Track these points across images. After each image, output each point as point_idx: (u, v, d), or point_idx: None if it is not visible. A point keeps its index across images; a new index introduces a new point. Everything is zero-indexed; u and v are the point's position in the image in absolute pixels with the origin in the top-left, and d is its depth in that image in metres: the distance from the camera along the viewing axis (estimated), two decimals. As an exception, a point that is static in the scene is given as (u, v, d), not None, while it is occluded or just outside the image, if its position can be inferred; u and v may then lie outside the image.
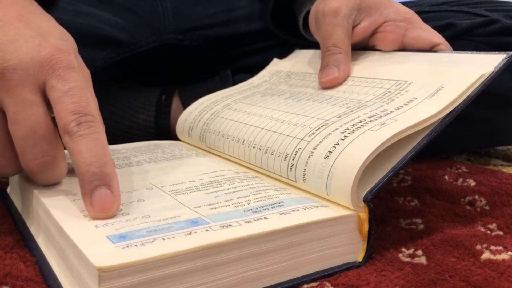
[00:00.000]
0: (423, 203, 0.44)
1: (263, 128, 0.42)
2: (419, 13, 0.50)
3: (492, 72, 0.37)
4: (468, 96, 0.37)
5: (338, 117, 0.39)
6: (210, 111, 0.51)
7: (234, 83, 0.62)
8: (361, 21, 0.48)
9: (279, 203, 0.33)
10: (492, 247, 0.35)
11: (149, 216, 0.31)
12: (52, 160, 0.34)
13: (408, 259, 0.33)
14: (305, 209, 0.32)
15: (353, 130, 0.35)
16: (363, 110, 0.39)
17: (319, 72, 0.48)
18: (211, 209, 0.32)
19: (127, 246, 0.27)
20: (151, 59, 0.66)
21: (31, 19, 0.36)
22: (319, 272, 0.31)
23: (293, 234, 0.30)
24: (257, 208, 0.32)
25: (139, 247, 0.27)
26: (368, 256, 0.33)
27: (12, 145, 0.33)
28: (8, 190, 0.45)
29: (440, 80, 0.39)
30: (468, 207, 0.44)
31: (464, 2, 0.61)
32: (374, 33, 0.49)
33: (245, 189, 0.36)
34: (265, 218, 0.31)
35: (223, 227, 0.29)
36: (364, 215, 0.32)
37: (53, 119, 0.33)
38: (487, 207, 0.43)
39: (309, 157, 0.35)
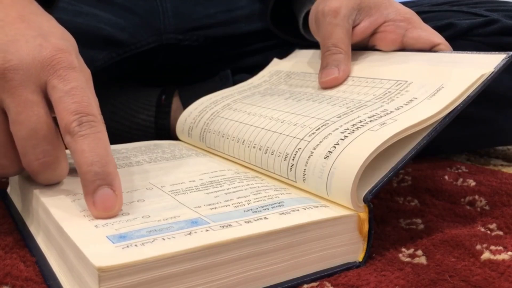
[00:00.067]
0: (423, 203, 0.44)
1: (263, 128, 0.42)
2: (419, 13, 0.50)
3: (492, 72, 0.37)
4: (468, 96, 0.37)
5: (338, 117, 0.39)
6: (210, 111, 0.51)
7: (234, 83, 0.62)
8: (361, 21, 0.48)
9: (279, 203, 0.33)
10: (492, 247, 0.35)
11: (149, 216, 0.31)
12: (54, 160, 0.34)
13: (408, 259, 0.33)
14: (305, 209, 0.32)
15: (353, 130, 0.35)
16: (363, 110, 0.39)
17: (319, 72, 0.48)
18: (211, 209, 0.32)
19: (127, 246, 0.27)
20: (151, 59, 0.66)
21: (32, 19, 0.36)
22: (319, 272, 0.31)
23: (293, 234, 0.30)
24: (257, 208, 0.32)
25: (139, 247, 0.27)
26: (368, 256, 0.33)
27: (14, 145, 0.33)
28: (8, 190, 0.45)
29: (440, 80, 0.39)
30: (468, 207, 0.44)
31: (464, 2, 0.61)
32: (374, 33, 0.49)
33: (245, 189, 0.36)
34: (265, 218, 0.31)
35: (223, 227, 0.29)
36: (364, 215, 0.32)
37: (55, 119, 0.33)
38: (487, 207, 0.43)
39: (309, 157, 0.35)
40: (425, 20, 0.49)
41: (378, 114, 0.37)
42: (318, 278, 0.31)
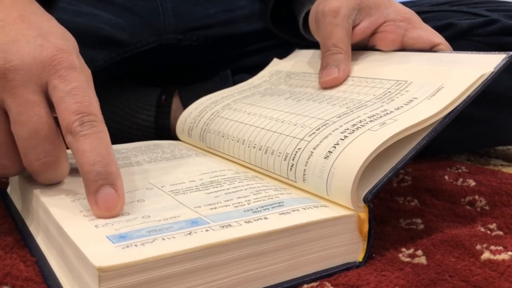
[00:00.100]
0: (423, 203, 0.44)
1: (263, 128, 0.42)
2: (419, 13, 0.50)
3: (492, 72, 0.37)
4: (468, 96, 0.37)
5: (338, 117, 0.39)
6: (210, 111, 0.51)
7: (234, 83, 0.62)
8: (361, 21, 0.48)
9: (279, 203, 0.33)
10: (492, 247, 0.35)
11: (149, 216, 0.31)
12: (55, 160, 0.34)
13: (408, 259, 0.33)
14: (305, 209, 0.32)
15: (353, 130, 0.35)
16: (363, 110, 0.39)
17: (319, 72, 0.48)
18: (211, 209, 0.32)
19: (127, 246, 0.27)
20: (151, 59, 0.66)
21: (33, 19, 0.36)
22: (319, 272, 0.31)
23: (293, 234, 0.30)
24: (257, 208, 0.32)
25: (139, 247, 0.27)
26: (368, 256, 0.33)
27: (15, 145, 0.33)
28: (8, 190, 0.45)
29: (440, 80, 0.39)
30: (468, 207, 0.44)
31: (464, 2, 0.61)
32: (374, 33, 0.49)
33: (245, 189, 0.36)
34: (265, 218, 0.31)
35: (223, 227, 0.29)
36: (364, 215, 0.32)
37: (56, 119, 0.33)
38: (487, 207, 0.43)
39: (309, 157, 0.35)
40: (425, 20, 0.49)
41: (378, 114, 0.37)
42: (318, 278, 0.31)
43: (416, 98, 0.39)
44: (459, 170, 0.55)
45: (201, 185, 0.37)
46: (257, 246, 0.29)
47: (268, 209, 0.32)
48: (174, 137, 0.57)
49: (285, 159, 0.37)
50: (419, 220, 0.40)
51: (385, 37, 0.48)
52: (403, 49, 0.48)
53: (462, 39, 0.55)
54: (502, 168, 0.57)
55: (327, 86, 0.47)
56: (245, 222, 0.30)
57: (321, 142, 0.36)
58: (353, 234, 0.32)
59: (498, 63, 0.38)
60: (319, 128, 0.38)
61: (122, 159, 0.45)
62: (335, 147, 0.34)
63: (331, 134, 0.36)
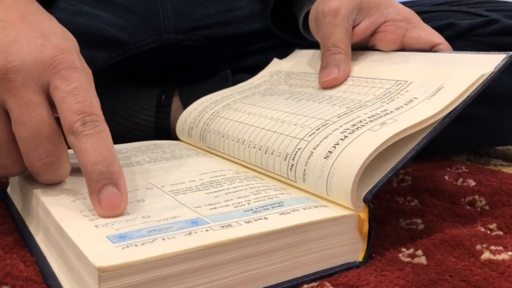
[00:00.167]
0: (423, 203, 0.44)
1: (263, 128, 0.42)
2: (419, 13, 0.50)
3: (492, 72, 0.37)
4: (468, 96, 0.37)
5: (338, 117, 0.39)
6: (210, 111, 0.51)
7: (234, 83, 0.62)
8: (361, 21, 0.48)
9: (279, 203, 0.33)
10: (492, 247, 0.35)
11: (149, 216, 0.31)
12: (56, 160, 0.34)
13: (408, 259, 0.33)
14: (305, 209, 0.32)
15: (353, 130, 0.35)
16: (363, 110, 0.39)
17: (319, 72, 0.48)
18: (211, 209, 0.32)
19: (127, 246, 0.27)
20: (151, 59, 0.66)
21: (33, 19, 0.36)
22: (319, 272, 0.31)
23: (293, 234, 0.30)
24: (257, 208, 0.32)
25: (139, 247, 0.27)
26: (368, 256, 0.33)
27: (16, 145, 0.33)
28: (8, 190, 0.45)
29: (440, 80, 0.39)
30: (468, 207, 0.44)
31: (464, 2, 0.61)
32: (374, 33, 0.49)
33: (245, 189, 0.36)
34: (265, 218, 0.31)
35: (223, 227, 0.29)
36: (364, 215, 0.32)
37: (57, 119, 0.33)
38: (487, 207, 0.43)
39: (309, 157, 0.35)
40: (425, 20, 0.49)
41: (378, 114, 0.37)
42: (318, 278, 0.31)
43: (416, 98, 0.39)
44: (459, 170, 0.55)
45: (201, 185, 0.37)
46: (257, 246, 0.29)
47: (268, 209, 0.32)
48: (174, 137, 0.57)
49: (285, 159, 0.37)
50: (419, 220, 0.40)
51: (385, 37, 0.48)
52: (403, 49, 0.48)
53: (462, 39, 0.55)
54: (502, 168, 0.57)
55: (327, 86, 0.47)
56: (245, 222, 0.30)
57: (321, 142, 0.36)
58: (353, 234, 0.32)
59: (498, 63, 0.38)
60: (319, 128, 0.38)
61: (122, 159, 0.45)
62: (335, 147, 0.34)
63: (331, 134, 0.36)
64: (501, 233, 0.38)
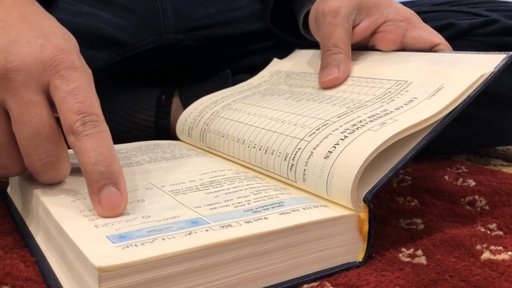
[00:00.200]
0: (423, 203, 0.44)
1: (263, 128, 0.42)
2: (419, 13, 0.50)
3: (492, 72, 0.37)
4: (468, 96, 0.37)
5: (338, 117, 0.39)
6: (210, 111, 0.51)
7: (234, 83, 0.62)
8: (361, 21, 0.48)
9: (279, 203, 0.33)
10: (492, 247, 0.35)
11: (149, 216, 0.31)
12: (56, 160, 0.34)
13: (408, 259, 0.33)
14: (305, 209, 0.32)
15: (353, 130, 0.35)
16: (363, 110, 0.39)
17: (319, 72, 0.48)
18: (211, 209, 0.32)
19: (127, 246, 0.27)
20: (151, 59, 0.66)
21: (33, 19, 0.36)
22: (319, 272, 0.31)
23: (293, 234, 0.30)
24: (257, 208, 0.32)
25: (139, 247, 0.27)
26: (368, 256, 0.33)
27: (16, 145, 0.33)
28: (8, 190, 0.45)
29: (440, 80, 0.39)
30: (468, 207, 0.44)
31: (464, 2, 0.61)
32: (374, 33, 0.49)
33: (245, 189, 0.36)
34: (265, 218, 0.31)
35: (223, 227, 0.29)
36: (364, 215, 0.32)
37: (57, 119, 0.33)
38: (487, 207, 0.43)
39: (309, 157, 0.35)
40: (425, 20, 0.49)
41: (378, 114, 0.37)
42: (318, 278, 0.31)
43: (416, 98, 0.39)
44: (459, 170, 0.55)
45: (201, 185, 0.37)
46: (257, 246, 0.29)
47: (268, 209, 0.32)
48: (174, 137, 0.57)
49: (285, 159, 0.37)
50: (419, 220, 0.40)
51: (385, 37, 0.48)
52: (403, 49, 0.48)
53: (462, 39, 0.55)
54: (502, 168, 0.57)
55: (327, 86, 0.47)
56: (245, 222, 0.30)
57: (321, 142, 0.36)
58: (353, 234, 0.32)
59: (498, 63, 0.38)
60: (319, 128, 0.38)
61: (122, 159, 0.45)
62: (335, 147, 0.34)
63: (331, 134, 0.36)
64: (501, 233, 0.38)
